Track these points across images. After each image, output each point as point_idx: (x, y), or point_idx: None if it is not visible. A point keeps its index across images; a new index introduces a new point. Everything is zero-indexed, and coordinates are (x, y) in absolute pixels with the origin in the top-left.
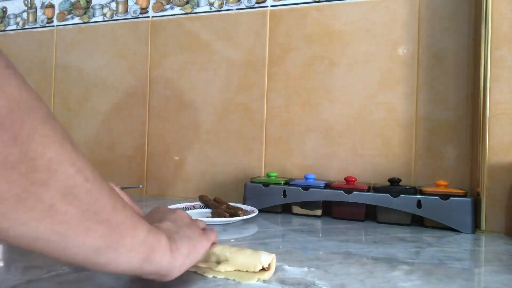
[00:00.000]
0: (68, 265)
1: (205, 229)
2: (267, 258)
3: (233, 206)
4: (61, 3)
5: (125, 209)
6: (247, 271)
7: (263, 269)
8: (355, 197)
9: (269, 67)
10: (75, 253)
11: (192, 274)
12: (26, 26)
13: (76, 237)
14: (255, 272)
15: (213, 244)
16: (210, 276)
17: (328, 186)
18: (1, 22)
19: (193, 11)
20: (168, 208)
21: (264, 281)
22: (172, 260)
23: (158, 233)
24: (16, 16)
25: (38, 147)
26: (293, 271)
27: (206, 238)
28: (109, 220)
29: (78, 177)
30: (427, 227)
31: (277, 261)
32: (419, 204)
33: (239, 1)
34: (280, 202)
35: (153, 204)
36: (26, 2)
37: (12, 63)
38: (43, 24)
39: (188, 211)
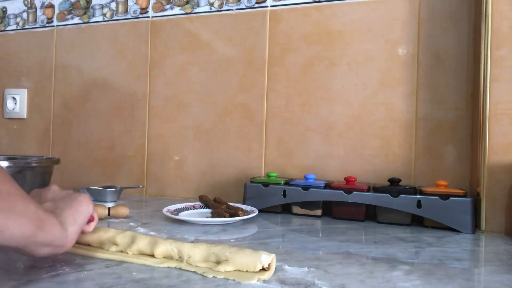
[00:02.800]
0: (68, 265)
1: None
2: (267, 258)
3: (233, 206)
4: (61, 3)
5: (15, 184)
6: (247, 271)
7: (263, 269)
8: (355, 197)
9: (269, 67)
10: None
11: (192, 274)
12: (26, 26)
13: None
14: (255, 272)
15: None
16: (210, 276)
17: (328, 186)
18: (1, 22)
19: (193, 11)
20: (41, 189)
21: (264, 281)
22: (63, 230)
23: (45, 210)
24: (16, 16)
25: None
26: (293, 271)
27: (82, 199)
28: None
29: None
30: (427, 227)
31: (277, 261)
32: (419, 204)
33: (239, 1)
34: (280, 202)
35: (153, 204)
36: (26, 2)
37: None
38: (43, 24)
39: (188, 211)
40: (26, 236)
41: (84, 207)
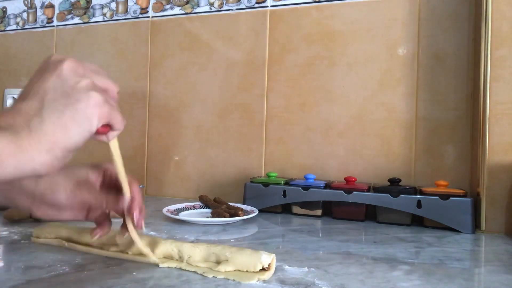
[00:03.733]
0: (68, 265)
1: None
2: (267, 258)
3: (233, 206)
4: (61, 3)
5: None
6: (247, 271)
7: (263, 269)
8: (355, 197)
9: (269, 67)
10: None
11: (192, 274)
12: (26, 26)
13: None
14: (255, 272)
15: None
16: (210, 276)
17: (328, 186)
18: (1, 22)
19: (193, 11)
20: (50, 73)
21: (264, 281)
22: (23, 150)
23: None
24: (16, 16)
25: None
26: (293, 271)
27: (88, 99)
28: None
29: None
30: (427, 227)
31: (277, 261)
32: (419, 204)
33: (239, 1)
34: (280, 202)
35: (153, 204)
36: (26, 2)
37: None
38: (43, 24)
39: (188, 211)
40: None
41: (84, 118)
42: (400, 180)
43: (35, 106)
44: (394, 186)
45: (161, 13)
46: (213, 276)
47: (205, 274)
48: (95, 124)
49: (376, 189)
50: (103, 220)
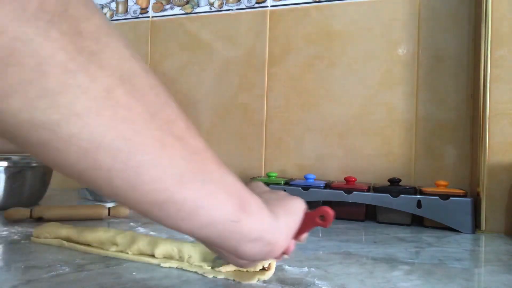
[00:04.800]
0: (68, 265)
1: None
2: None
3: None
4: None
5: (201, 137)
6: (247, 271)
7: (263, 269)
8: (355, 197)
9: (269, 67)
10: (152, 179)
11: (192, 274)
12: None
13: (149, 149)
14: (255, 272)
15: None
16: (210, 276)
17: (328, 186)
18: None
19: (193, 11)
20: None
21: (265, 281)
22: (274, 219)
23: (248, 189)
24: None
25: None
26: (293, 271)
27: (297, 200)
28: (185, 140)
29: (136, 64)
30: (427, 227)
31: (277, 261)
32: (419, 204)
33: (239, 1)
34: None
35: None
36: None
37: None
38: None
39: None
40: (228, 219)
41: (298, 208)
42: (400, 180)
43: (262, 194)
44: (394, 186)
45: (161, 13)
46: (214, 276)
47: (205, 274)
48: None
49: (376, 189)
50: None
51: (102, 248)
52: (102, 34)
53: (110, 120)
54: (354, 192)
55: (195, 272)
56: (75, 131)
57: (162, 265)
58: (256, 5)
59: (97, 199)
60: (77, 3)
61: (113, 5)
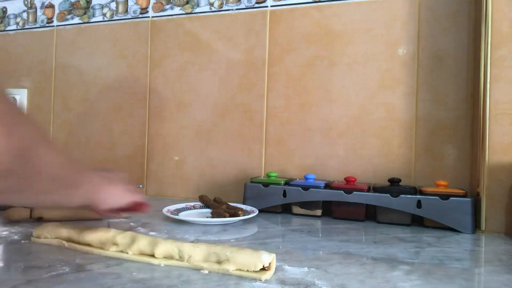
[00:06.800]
0: (68, 265)
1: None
2: (267, 258)
3: (233, 206)
4: (61, 3)
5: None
6: (247, 270)
7: (264, 269)
8: (355, 197)
9: (269, 67)
10: None
11: (193, 274)
12: (26, 26)
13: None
14: (255, 271)
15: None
16: (210, 276)
17: (328, 186)
18: (1, 22)
19: (193, 11)
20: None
21: (265, 281)
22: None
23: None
24: (16, 16)
25: None
26: (293, 271)
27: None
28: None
29: None
30: (427, 227)
31: (277, 261)
32: (419, 204)
33: (239, 1)
34: (280, 202)
35: (153, 204)
36: (26, 2)
37: None
38: (43, 24)
39: (188, 211)
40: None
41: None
42: (400, 180)
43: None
44: (394, 186)
45: (161, 13)
46: (213, 276)
47: (205, 274)
48: None
49: (376, 189)
50: None
51: (102, 248)
52: None
53: None
54: (354, 192)
55: (195, 272)
56: None
57: (162, 264)
58: (256, 5)
59: None
60: None
61: (113, 5)
